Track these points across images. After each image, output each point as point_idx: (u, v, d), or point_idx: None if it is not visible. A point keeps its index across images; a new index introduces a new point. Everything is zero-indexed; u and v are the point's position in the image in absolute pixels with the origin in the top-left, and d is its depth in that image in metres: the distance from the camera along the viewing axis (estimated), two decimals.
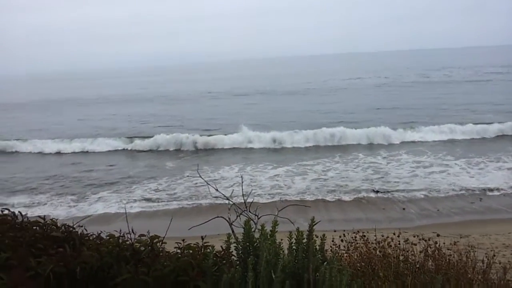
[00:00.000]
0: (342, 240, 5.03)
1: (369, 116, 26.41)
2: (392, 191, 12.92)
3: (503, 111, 25.82)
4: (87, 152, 21.93)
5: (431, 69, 68.59)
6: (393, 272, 3.62)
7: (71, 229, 2.72)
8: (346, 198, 12.52)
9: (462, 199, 12.02)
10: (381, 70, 75.90)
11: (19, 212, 2.82)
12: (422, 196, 12.38)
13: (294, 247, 2.38)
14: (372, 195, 12.66)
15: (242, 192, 3.67)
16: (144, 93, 55.46)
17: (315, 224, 2.40)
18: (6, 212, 2.83)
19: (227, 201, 3.50)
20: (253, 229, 2.40)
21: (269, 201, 12.40)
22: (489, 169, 14.75)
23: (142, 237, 2.59)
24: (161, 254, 2.53)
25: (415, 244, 4.65)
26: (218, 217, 3.19)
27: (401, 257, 4.11)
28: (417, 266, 3.91)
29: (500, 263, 4.54)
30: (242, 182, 4.82)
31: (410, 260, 4.08)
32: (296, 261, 2.34)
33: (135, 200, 13.23)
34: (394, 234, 5.09)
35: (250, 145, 20.92)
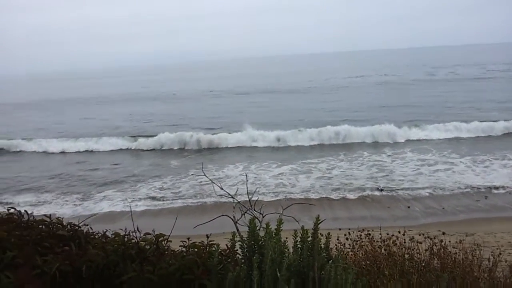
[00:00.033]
0: (347, 239, 5.02)
1: (373, 114, 26.30)
2: (397, 189, 12.89)
3: (508, 109, 25.66)
4: (91, 151, 22.02)
5: (434, 67, 68.25)
6: (398, 271, 3.62)
7: (77, 227, 2.73)
8: (351, 196, 12.50)
9: (467, 197, 11.97)
10: (382, 68, 75.69)
11: (25, 210, 2.83)
12: (427, 194, 12.34)
13: (299, 245, 2.38)
14: (377, 193, 12.64)
15: (247, 190, 3.67)
16: (145, 92, 55.53)
17: (320, 223, 2.39)
18: (12, 210, 2.84)
19: (231, 200, 3.50)
20: (258, 228, 2.40)
21: (274, 199, 12.39)
22: (494, 167, 14.68)
23: (147, 236, 2.60)
24: (166, 252, 2.54)
25: (421, 243, 4.63)
26: (223, 215, 3.19)
27: (406, 256, 4.10)
28: (423, 264, 3.90)
29: (506, 262, 4.53)
30: (247, 181, 4.82)
31: (415, 258, 4.07)
32: (301, 259, 2.33)
33: (140, 199, 13.28)
34: (399, 232, 5.08)
35: (254, 144, 20.91)
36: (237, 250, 2.48)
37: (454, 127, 20.90)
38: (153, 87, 62.75)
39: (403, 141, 19.82)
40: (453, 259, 4.03)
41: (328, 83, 51.44)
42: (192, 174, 15.55)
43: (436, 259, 4.07)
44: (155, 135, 22.58)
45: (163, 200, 13.05)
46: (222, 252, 2.51)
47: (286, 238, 2.38)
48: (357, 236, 5.02)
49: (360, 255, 4.33)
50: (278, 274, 2.18)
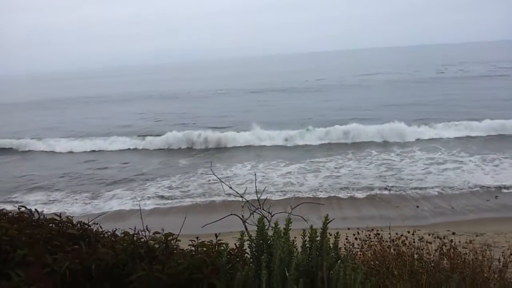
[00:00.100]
0: (356, 238, 5.00)
1: (382, 113, 26.11)
2: (406, 188, 12.80)
3: None
4: (100, 150, 22.16)
5: (443, 65, 67.53)
6: (407, 271, 3.59)
7: (87, 226, 2.75)
8: (359, 195, 12.44)
9: (477, 197, 11.85)
10: (386, 66, 75.10)
11: (35, 209, 2.86)
12: (436, 194, 12.23)
13: (307, 245, 2.37)
14: (385, 192, 12.57)
15: (256, 189, 3.67)
16: (148, 91, 55.59)
17: (329, 222, 2.38)
18: (23, 209, 2.88)
19: (240, 198, 3.50)
20: (266, 227, 2.40)
21: (282, 198, 12.39)
22: (504, 166, 14.50)
23: (156, 235, 2.61)
24: (175, 251, 2.55)
25: (430, 243, 4.60)
26: (231, 214, 3.19)
27: (415, 256, 4.06)
28: (432, 264, 3.86)
29: None
30: (256, 180, 4.82)
31: (425, 258, 4.04)
32: (310, 259, 2.33)
33: (149, 197, 13.34)
34: (408, 232, 5.05)
35: (262, 143, 20.91)
36: (245, 249, 2.48)
37: (465, 126, 20.67)
38: (155, 87, 62.79)
39: (412, 139, 19.62)
40: (463, 259, 3.98)
41: (334, 82, 51.09)
42: (201, 173, 15.60)
43: (445, 259, 4.03)
44: (163, 134, 22.68)
45: (172, 199, 13.09)
46: (231, 251, 2.51)
47: (295, 237, 2.38)
48: (366, 235, 5.00)
49: (369, 255, 4.31)
50: (287, 274, 2.18)
